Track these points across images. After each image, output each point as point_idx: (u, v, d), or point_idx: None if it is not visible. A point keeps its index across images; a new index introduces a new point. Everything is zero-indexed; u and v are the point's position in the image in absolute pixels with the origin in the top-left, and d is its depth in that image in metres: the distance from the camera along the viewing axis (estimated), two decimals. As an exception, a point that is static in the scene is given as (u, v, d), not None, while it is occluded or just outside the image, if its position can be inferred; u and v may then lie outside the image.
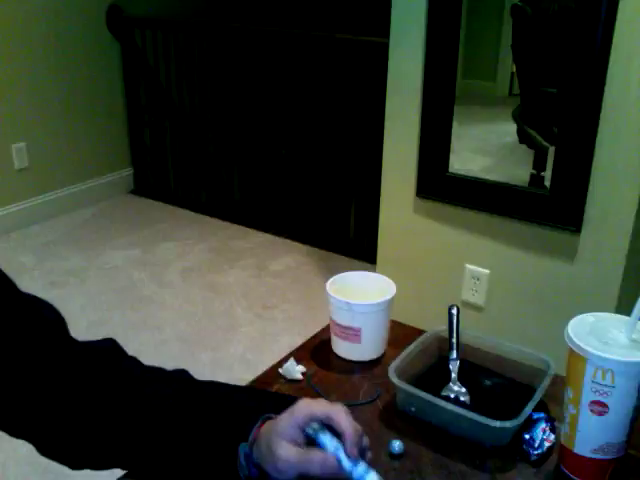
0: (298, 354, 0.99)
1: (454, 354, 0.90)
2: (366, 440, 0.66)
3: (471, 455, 0.77)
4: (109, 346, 0.72)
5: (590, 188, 1.67)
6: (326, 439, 0.63)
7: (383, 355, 0.98)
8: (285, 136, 3.86)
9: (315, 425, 0.63)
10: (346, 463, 0.61)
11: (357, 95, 3.19)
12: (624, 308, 1.67)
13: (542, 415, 0.79)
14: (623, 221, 1.66)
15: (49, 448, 0.68)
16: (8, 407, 0.65)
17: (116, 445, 0.67)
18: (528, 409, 0.78)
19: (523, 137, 1.97)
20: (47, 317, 0.69)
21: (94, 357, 0.69)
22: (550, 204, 1.75)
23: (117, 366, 0.70)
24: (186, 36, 3.75)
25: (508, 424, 0.75)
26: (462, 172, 1.92)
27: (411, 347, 0.90)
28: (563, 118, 1.66)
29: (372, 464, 0.61)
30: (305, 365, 0.95)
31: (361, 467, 0.61)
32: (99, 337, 0.72)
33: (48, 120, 3.57)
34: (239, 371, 2.32)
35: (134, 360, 0.73)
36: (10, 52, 3.31)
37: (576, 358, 0.68)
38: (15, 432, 0.68)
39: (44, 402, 0.65)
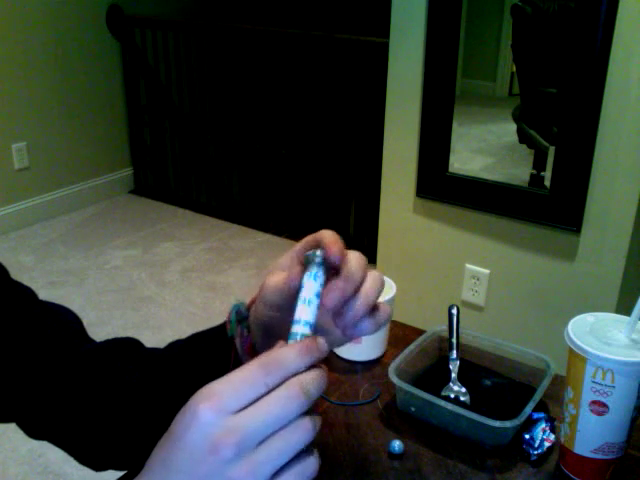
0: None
1: (454, 354, 0.90)
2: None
3: (471, 455, 0.77)
4: (129, 341, 0.71)
5: (590, 188, 1.67)
6: (312, 273, 0.48)
7: (383, 355, 0.98)
8: (285, 136, 3.86)
9: (317, 253, 0.49)
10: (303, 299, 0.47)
11: (357, 95, 3.19)
12: (624, 308, 1.67)
13: (542, 415, 0.79)
14: (623, 221, 1.66)
15: (71, 448, 0.68)
16: (28, 407, 0.65)
17: (139, 441, 0.66)
18: (528, 409, 0.78)
19: (523, 137, 1.97)
20: (66, 321, 0.69)
21: (116, 355, 0.68)
22: (550, 204, 1.75)
23: (137, 359, 0.69)
24: (186, 36, 3.75)
25: (508, 424, 0.75)
26: (462, 172, 1.92)
27: (411, 347, 0.90)
28: (563, 118, 1.66)
29: (372, 464, 0.60)
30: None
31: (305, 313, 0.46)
32: (99, 337, 0.72)
33: (48, 120, 3.58)
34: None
35: (151, 351, 0.71)
36: (10, 52, 3.32)
37: (576, 358, 0.68)
38: (35, 433, 0.67)
39: (64, 400, 0.64)
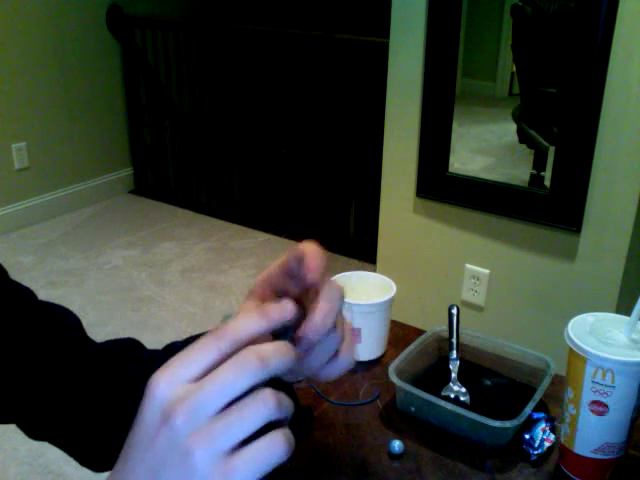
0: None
1: (454, 354, 0.90)
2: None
3: (471, 455, 0.77)
4: (128, 344, 0.70)
5: (590, 188, 1.67)
6: None
7: (383, 355, 0.98)
8: (285, 136, 3.86)
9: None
10: None
11: (357, 95, 3.19)
12: (624, 308, 1.67)
13: (542, 415, 0.79)
14: (623, 221, 1.66)
15: (71, 449, 0.67)
16: (28, 408, 0.65)
17: None
18: (528, 409, 0.78)
19: (523, 137, 1.97)
20: (66, 321, 0.69)
21: (116, 356, 0.68)
22: (550, 204, 1.75)
23: (134, 361, 0.69)
24: (186, 36, 3.75)
25: (508, 424, 0.75)
26: (462, 172, 1.92)
27: (411, 347, 0.90)
28: (563, 118, 1.66)
29: (372, 464, 0.60)
30: (305, 365, 0.95)
31: None
32: (99, 337, 0.72)
33: (48, 120, 3.58)
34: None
35: (150, 352, 0.71)
36: (10, 52, 3.32)
37: (576, 358, 0.68)
38: (35, 434, 0.67)
39: (64, 401, 0.64)
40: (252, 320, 0.41)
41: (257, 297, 0.54)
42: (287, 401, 0.39)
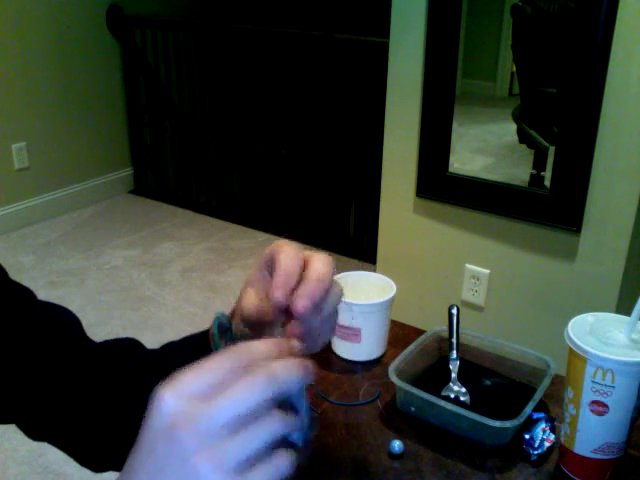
0: (298, 354, 0.98)
1: (454, 354, 0.90)
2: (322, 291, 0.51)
3: (471, 455, 0.77)
4: (127, 344, 0.70)
5: (590, 188, 1.67)
6: None
7: (383, 355, 0.98)
8: (285, 136, 3.86)
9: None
10: None
11: (357, 95, 3.19)
12: (624, 308, 1.67)
13: (542, 415, 0.79)
14: (623, 221, 1.66)
15: (71, 449, 0.67)
16: (28, 408, 0.65)
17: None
18: (528, 409, 0.78)
19: (523, 137, 1.97)
20: (66, 321, 0.69)
21: (115, 356, 0.68)
22: (550, 204, 1.75)
23: (134, 361, 0.69)
24: (186, 36, 3.75)
25: (508, 424, 0.75)
26: (462, 172, 1.92)
27: (411, 347, 0.90)
28: (563, 118, 1.66)
29: (372, 464, 0.59)
30: (305, 365, 0.94)
31: None
32: (99, 337, 0.72)
33: (48, 120, 3.58)
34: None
35: (149, 352, 0.71)
36: (10, 52, 3.31)
37: (576, 358, 0.68)
38: (35, 434, 0.67)
39: (64, 401, 0.64)
40: (265, 344, 0.42)
41: (254, 284, 0.56)
42: (293, 421, 0.40)
